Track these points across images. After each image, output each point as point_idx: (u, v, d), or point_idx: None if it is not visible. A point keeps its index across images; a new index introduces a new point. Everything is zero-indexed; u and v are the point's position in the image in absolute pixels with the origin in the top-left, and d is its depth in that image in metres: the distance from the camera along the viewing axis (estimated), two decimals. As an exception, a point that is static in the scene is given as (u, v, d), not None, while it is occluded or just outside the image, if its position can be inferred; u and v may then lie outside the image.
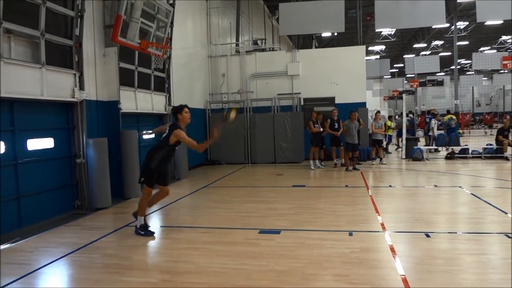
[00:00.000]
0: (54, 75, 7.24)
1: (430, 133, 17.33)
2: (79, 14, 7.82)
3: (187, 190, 10.06)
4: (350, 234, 5.71)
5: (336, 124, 12.84)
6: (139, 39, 8.90)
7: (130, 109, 9.78)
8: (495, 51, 37.56)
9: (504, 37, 37.53)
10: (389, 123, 17.37)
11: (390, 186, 10.01)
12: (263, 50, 17.69)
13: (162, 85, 11.59)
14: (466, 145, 15.97)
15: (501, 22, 25.87)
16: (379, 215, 6.84)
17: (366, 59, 18.92)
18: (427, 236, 5.59)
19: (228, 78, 16.13)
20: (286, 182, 10.88)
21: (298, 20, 15.95)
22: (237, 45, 17.43)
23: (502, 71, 34.53)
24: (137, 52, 9.92)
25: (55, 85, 7.24)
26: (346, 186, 10.08)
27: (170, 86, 11.84)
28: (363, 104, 15.06)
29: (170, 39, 11.09)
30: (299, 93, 15.49)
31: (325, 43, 34.65)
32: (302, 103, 15.50)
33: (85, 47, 8.15)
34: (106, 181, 8.09)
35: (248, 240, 5.60)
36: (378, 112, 14.61)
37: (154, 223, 7.25)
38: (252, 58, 16.08)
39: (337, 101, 15.16)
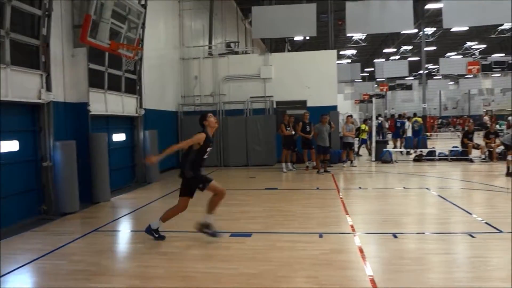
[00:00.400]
0: (19, 75, 7.02)
1: (406, 136, 17.81)
2: (47, 13, 7.61)
3: (158, 193, 9.94)
4: (320, 236, 5.78)
5: (308, 127, 12.98)
6: (109, 40, 8.75)
7: (100, 111, 9.59)
8: (461, 56, 38.86)
9: (469, 43, 38.91)
10: (363, 126, 17.66)
11: (360, 188, 10.19)
12: (236, 53, 17.70)
13: (133, 87, 11.42)
14: (433, 147, 16.43)
15: (466, 28, 26.85)
16: (349, 216, 6.95)
17: (338, 63, 19.20)
18: (395, 237, 5.72)
19: (200, 80, 16.06)
20: (259, 184, 10.91)
21: (271, 24, 16.05)
22: (210, 47, 17.38)
23: (468, 76, 35.79)
24: (107, 53, 9.74)
25: (20, 86, 7.03)
26: (317, 188, 10.20)
27: (141, 88, 11.68)
28: (334, 108, 15.29)
29: (142, 40, 10.95)
30: (272, 96, 15.57)
31: (297, 46, 35.01)
32: (274, 106, 15.59)
33: (53, 47, 7.94)
34: (74, 185, 7.90)
35: (219, 244, 5.58)
36: (350, 115, 14.87)
37: (124, 227, 7.15)
38: (225, 61, 16.07)
39: (309, 104, 15.33)
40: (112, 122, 10.58)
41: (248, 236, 5.80)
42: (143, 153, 11.46)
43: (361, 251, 5.14)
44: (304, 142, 13.19)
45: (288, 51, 31.28)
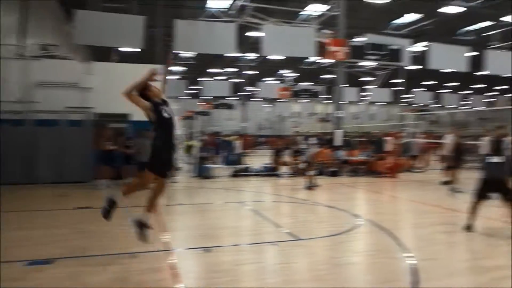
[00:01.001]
0: None
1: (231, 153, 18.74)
2: None
3: None
4: (134, 256, 5.59)
5: (129, 142, 12.57)
6: None
7: None
8: (278, 82, 43.31)
9: (284, 71, 43.70)
10: (192, 142, 17.87)
11: (181, 204, 10.31)
12: (53, 57, 16.02)
13: None
14: (249, 164, 17.74)
15: (283, 57, 30.12)
16: (166, 233, 6.93)
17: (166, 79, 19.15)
18: (210, 251, 5.92)
19: (5, 84, 13.97)
20: (70, 203, 9.91)
21: (96, 31, 15.20)
22: (20, 47, 15.30)
23: (282, 100, 40.12)
24: None
25: None
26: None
27: None
28: (159, 123, 15.14)
29: None
30: (92, 107, 14.55)
31: (125, 57, 33.75)
32: (94, 118, 14.59)
33: None
34: None
35: (10, 275, 4.79)
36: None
37: None
38: (39, 65, 14.37)
39: (132, 118, 14.83)
40: None
41: (47, 263, 5.18)
42: None
43: (175, 267, 5.16)
44: (125, 157, 12.71)
45: (116, 61, 29.87)
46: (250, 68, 39.11)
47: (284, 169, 16.42)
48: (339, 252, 6.10)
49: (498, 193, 6.89)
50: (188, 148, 17.66)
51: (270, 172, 16.36)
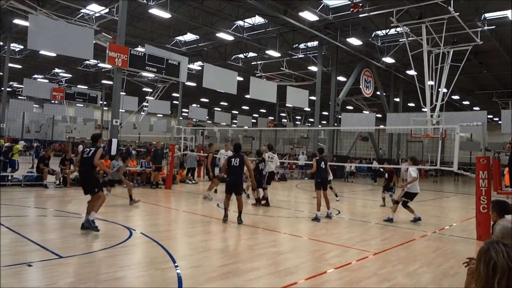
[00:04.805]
0: None
1: None
2: None
3: None
4: None
5: None
6: None
7: None
8: (47, 81, 39.06)
9: (57, 70, 39.81)
10: None
11: None
12: None
13: None
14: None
15: (54, 55, 27.20)
16: None
17: None
18: None
19: None
20: None
21: None
22: None
23: (53, 102, 36.30)
24: None
25: None
26: None
27: None
28: None
29: None
30: None
31: None
32: None
33: None
34: None
35: None
36: None
37: None
38: None
39: None
40: None
41: None
42: None
43: None
44: None
45: None
46: (15, 61, 34.29)
47: (51, 179, 14.87)
48: (106, 267, 5.83)
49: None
50: None
51: (33, 182, 14.52)
